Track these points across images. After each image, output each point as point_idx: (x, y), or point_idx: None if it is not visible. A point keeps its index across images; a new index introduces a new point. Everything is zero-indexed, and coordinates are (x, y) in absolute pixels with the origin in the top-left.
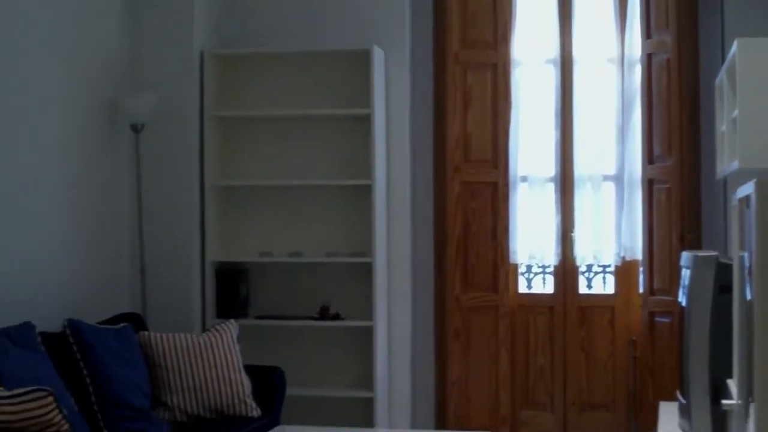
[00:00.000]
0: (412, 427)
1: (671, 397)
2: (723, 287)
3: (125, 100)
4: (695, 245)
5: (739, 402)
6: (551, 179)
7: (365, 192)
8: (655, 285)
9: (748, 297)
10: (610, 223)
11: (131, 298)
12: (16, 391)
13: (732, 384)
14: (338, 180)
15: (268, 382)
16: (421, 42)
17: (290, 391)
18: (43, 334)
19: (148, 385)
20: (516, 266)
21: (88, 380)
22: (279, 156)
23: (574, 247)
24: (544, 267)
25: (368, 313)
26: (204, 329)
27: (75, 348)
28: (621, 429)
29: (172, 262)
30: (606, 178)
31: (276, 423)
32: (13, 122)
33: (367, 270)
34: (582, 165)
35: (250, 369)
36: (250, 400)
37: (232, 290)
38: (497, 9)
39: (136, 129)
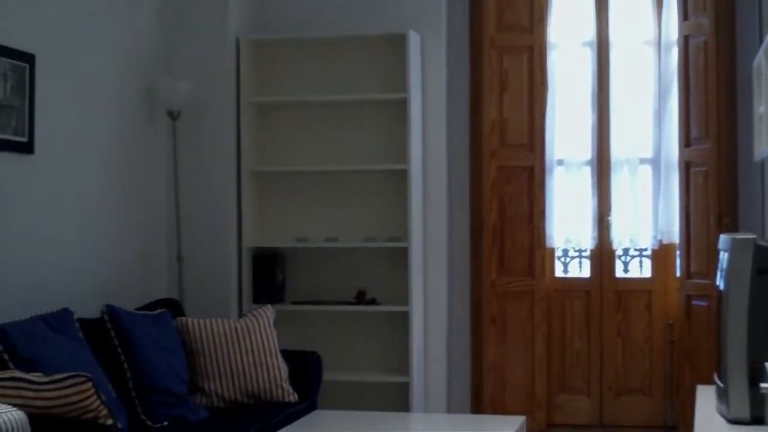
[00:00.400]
0: (448, 411)
1: (708, 381)
2: (761, 270)
3: (162, 87)
4: (732, 228)
5: None
6: (588, 163)
7: (401, 177)
8: (692, 268)
9: None
10: (646, 206)
11: (168, 284)
12: (54, 377)
13: None
14: (374, 165)
15: (304, 367)
16: (457, 26)
17: (326, 376)
18: (81, 320)
19: (185, 371)
20: (552, 250)
21: (125, 366)
22: (315, 141)
23: (610, 230)
24: (580, 251)
25: (404, 298)
26: (241, 315)
27: (113, 334)
28: (657, 413)
29: (209, 248)
30: (643, 161)
31: (313, 408)
32: (53, 109)
33: (403, 255)
34: (619, 148)
35: (286, 354)
36: (287, 385)
37: (268, 276)
38: None
39: (172, 116)
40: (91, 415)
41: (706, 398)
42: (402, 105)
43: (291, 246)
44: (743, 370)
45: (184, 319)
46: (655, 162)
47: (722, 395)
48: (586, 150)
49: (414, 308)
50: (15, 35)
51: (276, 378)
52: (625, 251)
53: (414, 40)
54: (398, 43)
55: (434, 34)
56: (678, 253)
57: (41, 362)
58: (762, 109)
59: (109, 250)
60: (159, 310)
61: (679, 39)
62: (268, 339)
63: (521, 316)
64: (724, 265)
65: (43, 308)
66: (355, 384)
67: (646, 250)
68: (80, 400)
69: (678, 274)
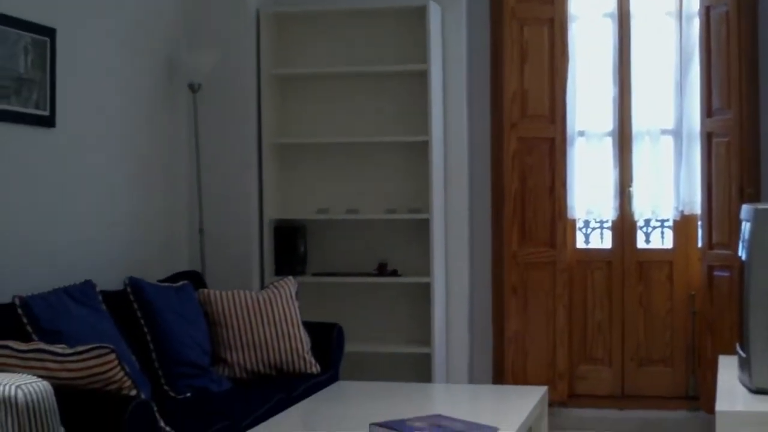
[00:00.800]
0: (470, 382)
1: (730, 351)
2: None
3: (182, 60)
4: (754, 198)
5: None
6: (609, 134)
7: (422, 148)
8: (714, 239)
9: None
10: (668, 177)
11: (190, 257)
12: (78, 349)
13: None
14: (395, 136)
15: (327, 339)
16: None
17: (348, 347)
18: (104, 292)
19: (208, 343)
20: (574, 221)
21: (148, 338)
22: (336, 113)
23: (632, 201)
24: (601, 222)
25: (426, 269)
26: (262, 286)
27: (135, 306)
28: (679, 384)
29: (231, 220)
30: (664, 132)
31: (335, 379)
32: (74, 83)
33: (425, 226)
34: (640, 119)
35: (308, 326)
36: (309, 357)
37: (290, 247)
38: None
39: (193, 88)
40: (114, 386)
41: (728, 368)
42: (423, 76)
43: (312, 218)
44: (765, 340)
45: (206, 291)
46: (677, 133)
47: (744, 365)
48: (607, 121)
49: (435, 279)
50: (36, 9)
51: (298, 349)
52: (647, 222)
53: (435, 12)
54: (419, 14)
55: (455, 5)
56: (700, 223)
57: (64, 334)
58: None
59: (130, 223)
60: (181, 282)
61: (700, 9)
62: (290, 310)
63: (543, 287)
64: (746, 236)
65: (65, 281)
66: (376, 355)
67: (667, 220)
68: (104, 372)
69: (700, 244)
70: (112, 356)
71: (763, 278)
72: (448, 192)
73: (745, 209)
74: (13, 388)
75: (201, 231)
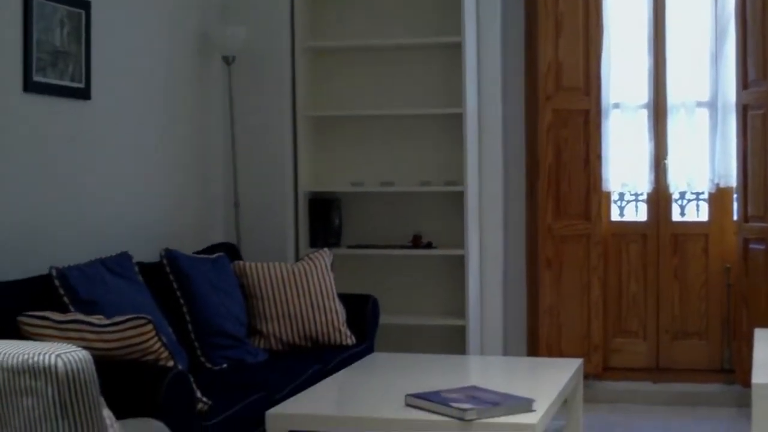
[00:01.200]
0: (504, 354)
1: (766, 324)
2: None
3: (217, 32)
4: None
5: None
6: (644, 106)
7: (457, 121)
8: (750, 212)
9: None
10: (703, 149)
11: (225, 229)
12: (115, 319)
13: None
14: (430, 109)
15: (362, 311)
16: None
17: (383, 319)
18: (140, 264)
19: (243, 314)
20: (608, 194)
21: (184, 309)
22: (370, 86)
23: (667, 174)
24: (636, 195)
25: (460, 241)
26: (297, 258)
27: (171, 277)
28: (714, 357)
29: (266, 192)
30: (700, 104)
31: (370, 351)
32: (109, 56)
33: (459, 199)
34: (675, 91)
35: (343, 297)
36: (344, 328)
37: (324, 220)
38: None
39: (227, 61)
40: (152, 356)
41: (763, 341)
42: (457, 49)
43: (347, 190)
44: None
45: (241, 262)
46: (712, 105)
47: None
48: (642, 93)
49: (470, 252)
50: None
51: (333, 321)
52: (682, 195)
53: None
54: None
55: None
56: (735, 196)
57: (101, 305)
58: None
59: (166, 195)
60: (217, 254)
61: None
62: (325, 282)
63: (577, 260)
64: None
65: (102, 252)
66: (411, 327)
67: (702, 193)
68: (141, 342)
69: (735, 217)
70: (150, 327)
71: None
72: (482, 164)
73: None
74: (53, 357)
75: (236, 203)
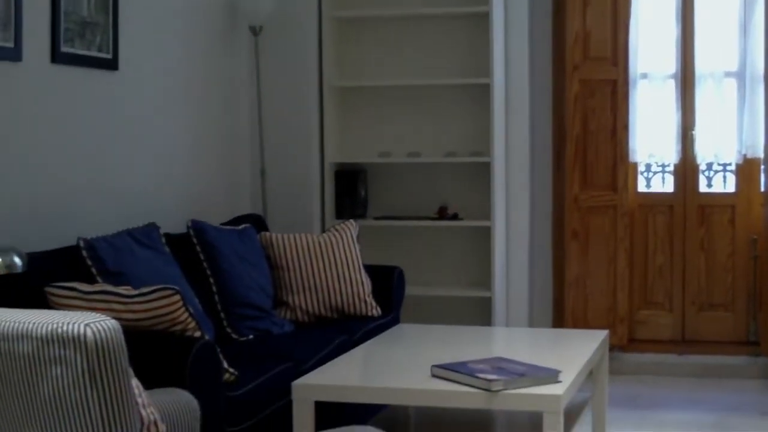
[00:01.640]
0: (530, 326)
1: None
2: None
3: (244, 2)
4: None
5: None
6: (672, 76)
7: (484, 91)
8: None
9: None
10: (731, 120)
11: (252, 200)
12: (143, 290)
13: None
14: (457, 79)
15: (387, 282)
16: None
17: (409, 290)
18: (167, 235)
19: (270, 285)
20: (635, 165)
21: (211, 280)
22: (397, 56)
23: (694, 145)
24: (663, 166)
25: (486, 212)
26: (323, 230)
27: (198, 248)
28: (740, 329)
29: (292, 163)
30: (728, 74)
31: (396, 322)
32: (136, 26)
33: (486, 170)
34: (703, 61)
35: (369, 269)
36: (370, 299)
37: (350, 191)
38: None
39: (254, 31)
40: (179, 327)
41: None
42: (484, 18)
43: (373, 161)
44: None
45: (267, 234)
46: (740, 75)
47: None
48: (670, 63)
49: (496, 223)
50: None
51: (359, 292)
52: (709, 166)
53: None
54: None
55: None
56: (763, 167)
57: (128, 276)
58: None
59: (193, 166)
60: (243, 225)
61: None
62: (351, 253)
63: (604, 231)
64: None
65: (129, 223)
66: (437, 298)
67: (730, 164)
68: (169, 313)
69: (762, 188)
70: (177, 297)
71: None
72: (509, 135)
73: None
74: (82, 326)
75: (262, 174)
